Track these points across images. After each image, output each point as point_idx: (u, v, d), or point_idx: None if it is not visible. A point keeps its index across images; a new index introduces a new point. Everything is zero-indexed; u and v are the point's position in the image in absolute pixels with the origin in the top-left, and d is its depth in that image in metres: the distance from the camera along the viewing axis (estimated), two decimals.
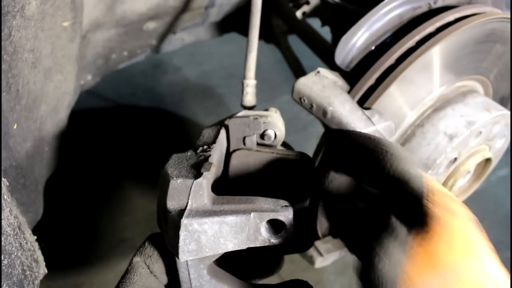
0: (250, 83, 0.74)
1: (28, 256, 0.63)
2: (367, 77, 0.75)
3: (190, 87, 2.50)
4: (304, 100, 0.73)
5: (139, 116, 2.29)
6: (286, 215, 0.48)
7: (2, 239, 0.56)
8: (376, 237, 0.42)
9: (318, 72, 0.75)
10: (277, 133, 0.66)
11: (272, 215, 0.47)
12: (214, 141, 0.59)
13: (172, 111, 2.32)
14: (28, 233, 0.67)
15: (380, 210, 0.45)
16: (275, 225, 0.49)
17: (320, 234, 0.90)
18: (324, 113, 0.71)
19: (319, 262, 0.87)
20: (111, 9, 1.02)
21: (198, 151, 0.56)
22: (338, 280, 1.57)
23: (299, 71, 1.39)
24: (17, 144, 0.76)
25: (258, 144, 0.67)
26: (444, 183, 0.87)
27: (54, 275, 1.55)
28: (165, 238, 0.51)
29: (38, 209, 0.88)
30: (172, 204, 0.49)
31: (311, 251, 0.89)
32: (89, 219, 1.76)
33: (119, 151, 2.06)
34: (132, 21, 1.10)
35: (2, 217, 0.56)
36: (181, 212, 0.47)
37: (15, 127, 0.73)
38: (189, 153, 0.56)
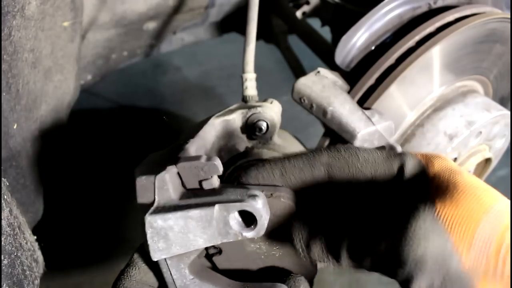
0: (249, 76, 0.71)
1: (28, 256, 0.63)
2: (367, 77, 0.75)
3: (190, 87, 2.50)
4: (304, 100, 0.73)
5: (139, 116, 2.29)
6: (253, 204, 0.44)
7: (2, 239, 0.56)
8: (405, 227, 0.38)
9: (318, 72, 0.75)
10: (269, 124, 0.61)
11: (238, 206, 0.44)
12: (193, 137, 0.56)
13: (172, 111, 2.32)
14: (28, 233, 0.67)
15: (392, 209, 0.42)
16: (248, 217, 0.45)
17: None
18: (324, 113, 0.71)
19: (319, 263, 0.87)
20: (111, 9, 1.02)
21: (173, 147, 0.54)
22: (338, 280, 1.56)
23: (299, 71, 1.39)
24: (17, 144, 0.76)
25: (251, 138, 0.62)
26: None
27: (54, 275, 1.55)
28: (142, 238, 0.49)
29: (38, 209, 0.89)
30: (142, 201, 0.47)
31: None
32: (89, 219, 1.76)
33: (119, 151, 2.06)
34: (132, 21, 1.10)
35: (2, 217, 0.56)
36: (148, 209, 0.46)
37: (15, 127, 0.73)
38: (165, 150, 0.54)
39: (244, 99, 0.73)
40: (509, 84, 0.97)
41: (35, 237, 0.70)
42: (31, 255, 0.64)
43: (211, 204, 0.45)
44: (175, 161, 0.48)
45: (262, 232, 0.45)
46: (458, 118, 0.81)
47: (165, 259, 0.48)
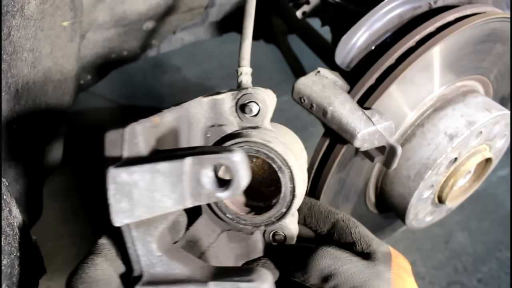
0: (245, 70, 0.66)
1: (27, 256, 0.63)
2: (367, 77, 0.74)
3: (190, 87, 2.50)
4: (304, 100, 0.73)
5: (139, 116, 2.29)
6: (229, 157, 0.37)
7: (2, 239, 0.55)
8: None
9: (318, 72, 0.75)
10: (261, 106, 0.55)
11: (212, 159, 0.38)
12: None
13: None
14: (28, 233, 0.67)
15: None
16: (225, 182, 0.40)
17: None
18: (324, 113, 0.71)
19: None
20: (111, 9, 1.02)
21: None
22: None
23: (299, 71, 1.39)
24: (17, 144, 0.76)
25: (240, 121, 0.56)
26: (445, 183, 0.87)
27: (54, 275, 1.55)
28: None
29: (38, 209, 0.88)
30: (109, 157, 0.42)
31: None
32: (89, 219, 1.76)
33: None
34: (132, 21, 1.10)
35: (2, 217, 0.56)
36: (113, 164, 0.40)
37: (14, 127, 0.73)
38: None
39: None
40: (509, 84, 0.97)
41: (35, 237, 0.70)
42: (30, 255, 0.64)
43: (182, 156, 0.38)
44: (147, 117, 0.44)
45: (239, 191, 0.39)
46: (458, 118, 0.81)
47: (129, 229, 0.42)
